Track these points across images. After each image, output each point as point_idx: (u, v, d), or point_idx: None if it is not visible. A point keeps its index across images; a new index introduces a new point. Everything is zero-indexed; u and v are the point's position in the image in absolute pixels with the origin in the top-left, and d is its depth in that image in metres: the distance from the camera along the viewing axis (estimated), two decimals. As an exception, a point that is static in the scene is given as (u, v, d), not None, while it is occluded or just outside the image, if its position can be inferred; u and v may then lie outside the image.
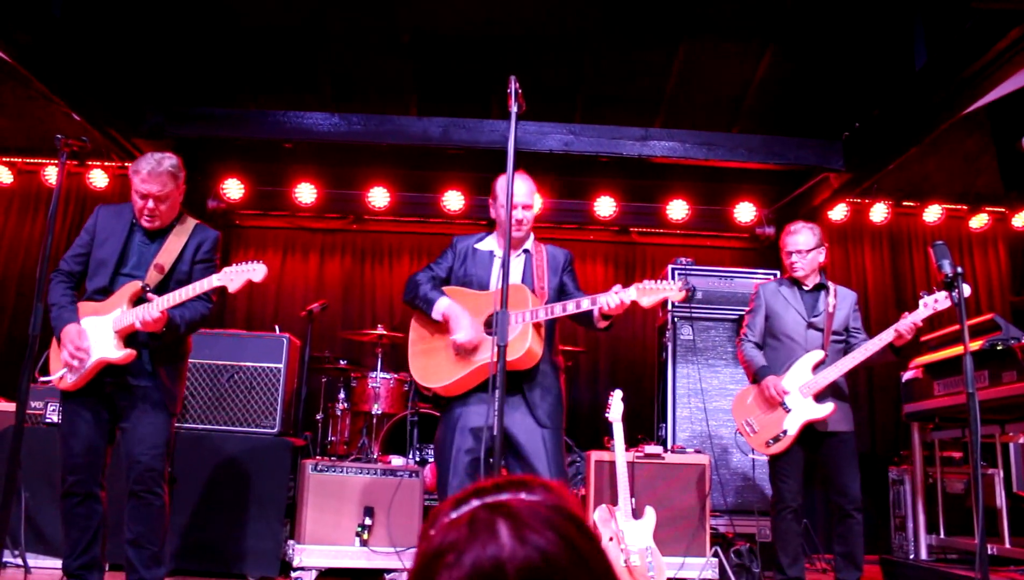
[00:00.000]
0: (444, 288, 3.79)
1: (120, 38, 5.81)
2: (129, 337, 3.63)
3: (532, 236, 3.96)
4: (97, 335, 3.62)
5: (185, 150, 6.59)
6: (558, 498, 0.99)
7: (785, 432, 4.35)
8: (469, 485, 1.02)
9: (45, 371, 3.93)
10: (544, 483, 1.01)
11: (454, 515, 0.97)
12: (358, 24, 5.80)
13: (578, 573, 0.93)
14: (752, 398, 4.52)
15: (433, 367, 3.71)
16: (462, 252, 3.91)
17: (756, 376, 4.50)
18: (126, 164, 7.21)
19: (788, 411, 4.36)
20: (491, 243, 3.91)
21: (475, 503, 0.97)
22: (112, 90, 6.01)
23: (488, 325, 3.61)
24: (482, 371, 3.57)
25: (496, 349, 2.92)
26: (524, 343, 3.51)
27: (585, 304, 3.52)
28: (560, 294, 3.81)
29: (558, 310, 3.54)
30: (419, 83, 6.37)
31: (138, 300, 3.64)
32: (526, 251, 3.89)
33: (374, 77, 6.36)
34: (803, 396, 4.35)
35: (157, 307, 3.54)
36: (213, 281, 3.61)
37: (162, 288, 3.66)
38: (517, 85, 3.12)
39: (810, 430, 4.36)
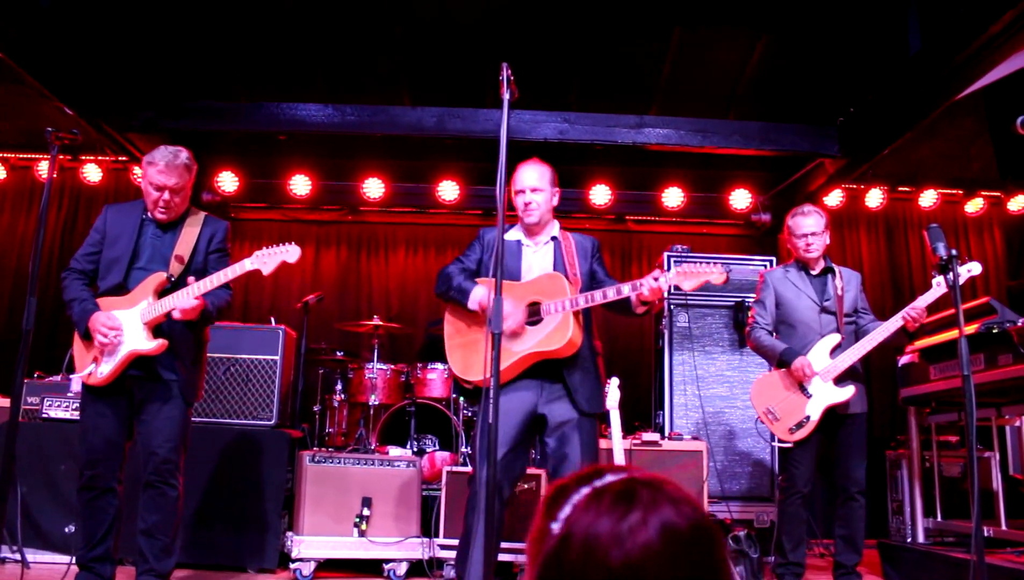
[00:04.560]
0: (477, 280, 3.78)
1: (111, 31, 5.77)
2: (156, 328, 3.69)
3: (557, 224, 3.94)
4: (126, 328, 3.66)
5: (178, 143, 6.53)
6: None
7: (808, 418, 4.35)
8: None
9: (71, 369, 3.96)
10: (634, 467, 1.09)
11: (586, 491, 1.02)
12: (351, 13, 5.77)
13: (719, 532, 1.03)
14: (773, 384, 4.49)
15: (474, 360, 3.68)
16: (490, 243, 3.88)
17: (782, 359, 4.45)
18: (120, 158, 7.20)
19: (809, 397, 4.37)
20: (517, 233, 3.89)
21: (611, 478, 1.04)
22: (104, 84, 5.98)
23: (529, 315, 3.61)
24: (525, 360, 3.58)
25: (491, 337, 2.90)
26: (566, 333, 3.51)
27: (625, 290, 3.51)
28: (591, 280, 3.81)
29: (598, 297, 3.54)
30: (412, 73, 6.35)
31: (162, 291, 3.69)
32: (554, 238, 3.88)
33: (367, 67, 6.34)
34: (823, 381, 4.35)
35: (191, 294, 3.60)
36: (246, 265, 3.67)
37: (181, 279, 3.73)
38: (509, 72, 3.11)
39: (829, 413, 4.37)
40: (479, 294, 3.67)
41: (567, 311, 3.53)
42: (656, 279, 3.46)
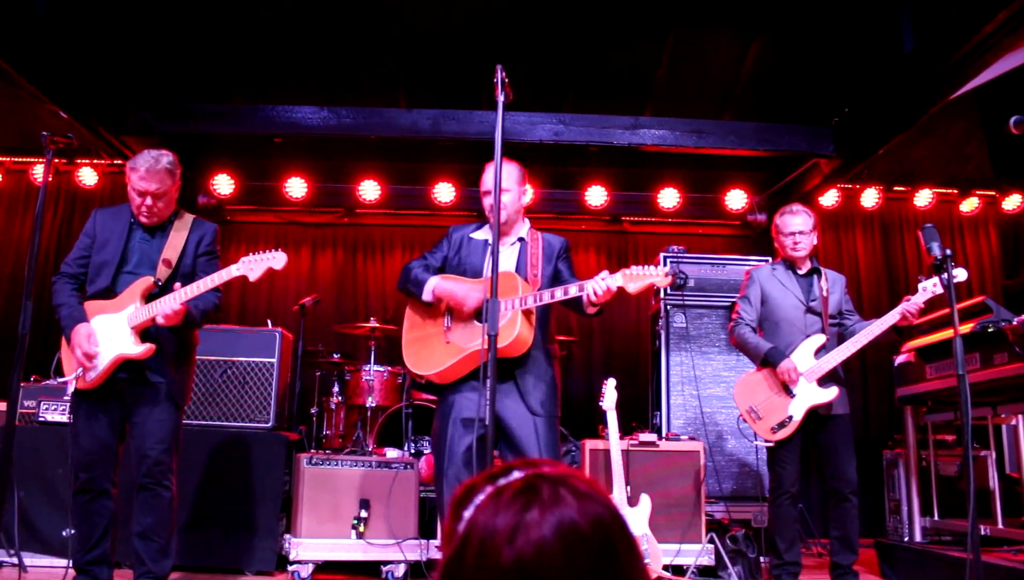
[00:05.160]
0: (439, 276, 3.80)
1: (106, 34, 5.78)
2: (143, 332, 3.68)
3: (527, 224, 3.97)
4: (112, 333, 3.67)
5: (174, 146, 6.53)
6: (571, 470, 1.05)
7: (791, 418, 4.35)
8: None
9: (59, 372, 3.96)
10: (547, 460, 1.07)
11: (489, 490, 1.01)
12: (346, 16, 5.78)
13: (627, 527, 1.00)
14: (756, 383, 4.50)
15: (426, 354, 3.73)
16: (457, 241, 3.94)
17: (768, 359, 4.45)
18: (115, 161, 7.20)
19: (793, 396, 4.37)
20: (486, 232, 3.93)
21: (516, 475, 1.01)
22: (99, 87, 5.99)
23: (481, 313, 3.62)
24: (474, 358, 3.59)
25: (487, 338, 2.91)
26: (513, 330, 3.53)
27: (572, 291, 3.53)
28: (554, 281, 3.81)
29: (546, 297, 3.56)
30: (408, 75, 6.35)
31: (150, 296, 3.69)
32: (521, 239, 3.90)
33: (363, 69, 6.34)
34: (807, 381, 4.36)
35: (177, 300, 3.59)
36: (232, 271, 3.67)
37: (168, 283, 3.73)
38: (504, 74, 3.12)
39: (811, 414, 4.37)
40: (432, 284, 3.71)
41: (516, 309, 3.54)
42: (603, 280, 3.47)
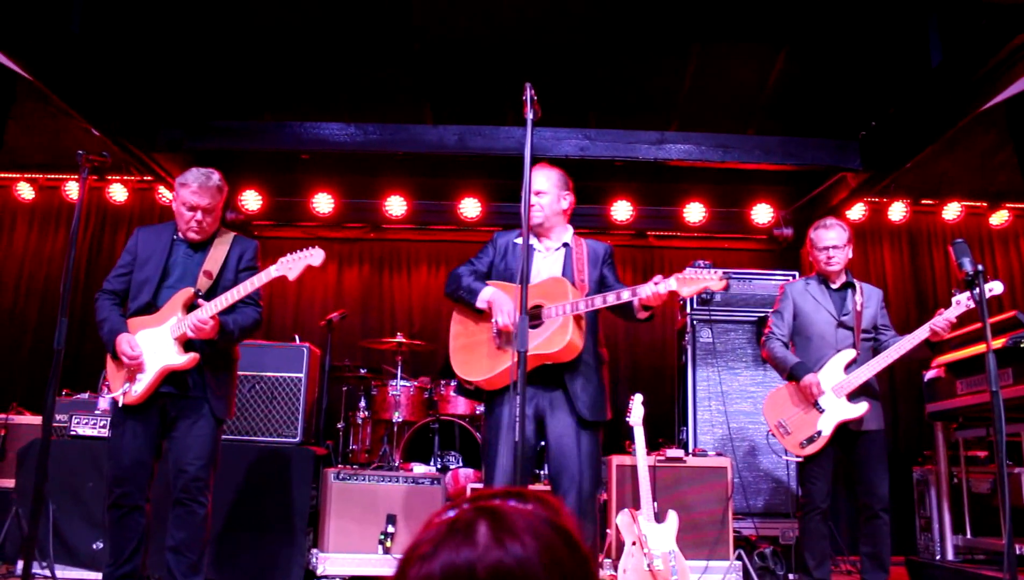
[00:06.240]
0: (490, 282, 3.82)
1: (137, 53, 5.87)
2: (187, 343, 3.74)
3: (571, 229, 3.97)
4: (157, 345, 3.72)
5: (202, 162, 6.61)
6: (550, 509, 1.01)
7: (819, 433, 4.32)
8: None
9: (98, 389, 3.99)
10: (541, 496, 1.03)
11: (437, 520, 1.00)
12: (371, 33, 5.83)
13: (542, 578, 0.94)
14: (785, 398, 4.47)
15: (474, 360, 3.73)
16: (502, 247, 3.94)
17: (793, 373, 4.43)
18: (145, 178, 7.30)
19: (822, 411, 4.33)
20: (530, 238, 3.92)
21: (467, 506, 1.00)
22: (130, 105, 6.07)
23: (531, 318, 3.63)
24: None
25: (516, 355, 2.92)
26: (565, 336, 3.52)
27: (625, 295, 3.53)
28: (600, 287, 3.82)
29: (598, 302, 3.56)
30: (433, 91, 6.39)
31: (191, 306, 3.74)
32: (566, 245, 3.91)
33: (389, 86, 6.39)
34: (836, 396, 4.32)
35: (207, 312, 3.64)
36: (271, 272, 3.72)
37: (209, 296, 3.77)
38: (532, 92, 3.13)
39: (842, 429, 4.33)
40: (487, 293, 3.71)
41: (567, 315, 3.54)
42: (656, 284, 3.47)
